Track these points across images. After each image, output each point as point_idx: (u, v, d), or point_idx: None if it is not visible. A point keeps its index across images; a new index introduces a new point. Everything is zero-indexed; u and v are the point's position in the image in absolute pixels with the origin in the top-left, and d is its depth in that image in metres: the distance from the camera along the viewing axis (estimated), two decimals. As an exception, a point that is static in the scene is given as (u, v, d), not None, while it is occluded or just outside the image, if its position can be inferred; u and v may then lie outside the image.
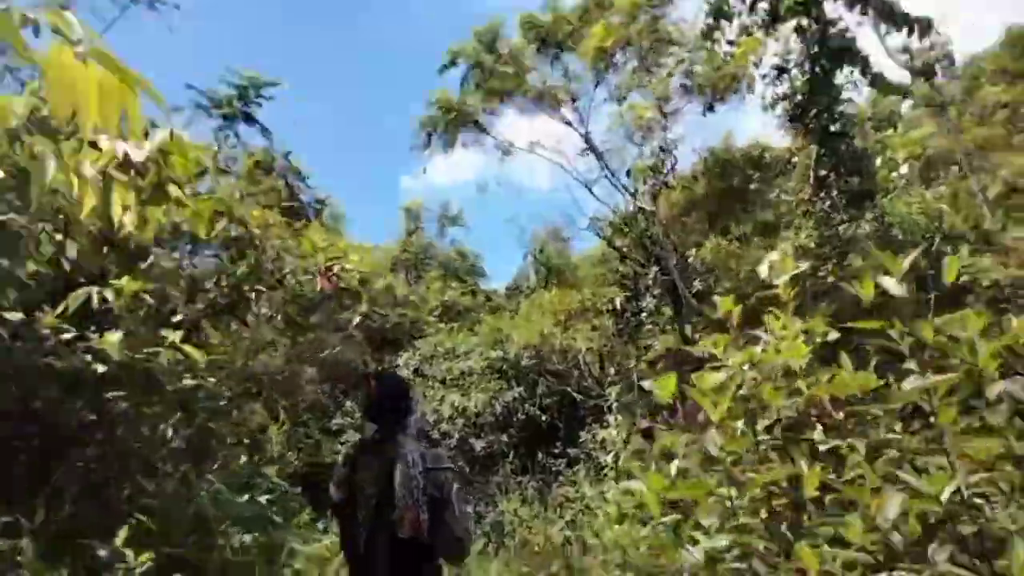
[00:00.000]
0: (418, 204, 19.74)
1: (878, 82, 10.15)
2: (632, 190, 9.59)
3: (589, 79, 12.32)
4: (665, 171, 9.08)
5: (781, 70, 10.33)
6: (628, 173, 9.27)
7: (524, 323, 13.17)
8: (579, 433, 12.20)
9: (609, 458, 9.42)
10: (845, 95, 10.08)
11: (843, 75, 10.13)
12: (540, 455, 12.56)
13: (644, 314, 10.89)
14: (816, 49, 10.01)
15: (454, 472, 2.98)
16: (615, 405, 9.19)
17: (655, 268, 10.92)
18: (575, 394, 12.04)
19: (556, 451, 12.45)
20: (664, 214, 10.32)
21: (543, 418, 12.98)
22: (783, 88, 10.47)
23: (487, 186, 12.36)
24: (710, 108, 9.35)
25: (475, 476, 12.93)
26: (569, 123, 11.21)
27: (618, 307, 12.44)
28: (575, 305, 11.74)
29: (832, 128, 9.89)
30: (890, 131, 12.27)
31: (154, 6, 7.43)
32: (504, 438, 12.86)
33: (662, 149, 8.64)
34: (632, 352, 10.72)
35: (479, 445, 13.22)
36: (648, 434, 9.16)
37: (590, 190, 10.42)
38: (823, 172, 9.82)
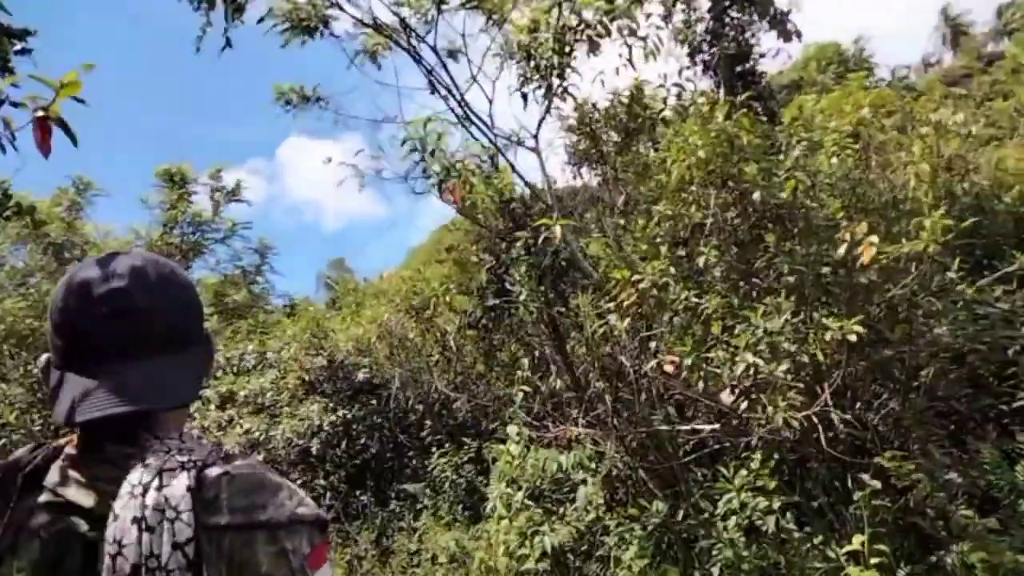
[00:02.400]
0: (183, 168, 14.13)
1: (776, 25, 8.91)
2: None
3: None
4: (568, 75, 6.49)
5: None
6: (537, 68, 6.37)
7: (352, 319, 9.78)
8: (424, 463, 9.14)
9: (497, 490, 6.53)
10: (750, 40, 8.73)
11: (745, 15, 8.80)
12: (366, 496, 9.25)
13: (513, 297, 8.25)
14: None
15: (306, 528, 0.97)
16: (517, 411, 6.38)
17: (524, 233, 8.31)
18: (428, 410, 9.00)
19: (393, 489, 9.24)
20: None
21: (373, 447, 9.64)
22: (674, 23, 8.81)
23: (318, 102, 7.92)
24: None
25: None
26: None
27: (473, 293, 9.72)
28: (431, 291, 8.65)
29: (740, 68, 8.39)
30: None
31: None
32: (321, 480, 9.26)
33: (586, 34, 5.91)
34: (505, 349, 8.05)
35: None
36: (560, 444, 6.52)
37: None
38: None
